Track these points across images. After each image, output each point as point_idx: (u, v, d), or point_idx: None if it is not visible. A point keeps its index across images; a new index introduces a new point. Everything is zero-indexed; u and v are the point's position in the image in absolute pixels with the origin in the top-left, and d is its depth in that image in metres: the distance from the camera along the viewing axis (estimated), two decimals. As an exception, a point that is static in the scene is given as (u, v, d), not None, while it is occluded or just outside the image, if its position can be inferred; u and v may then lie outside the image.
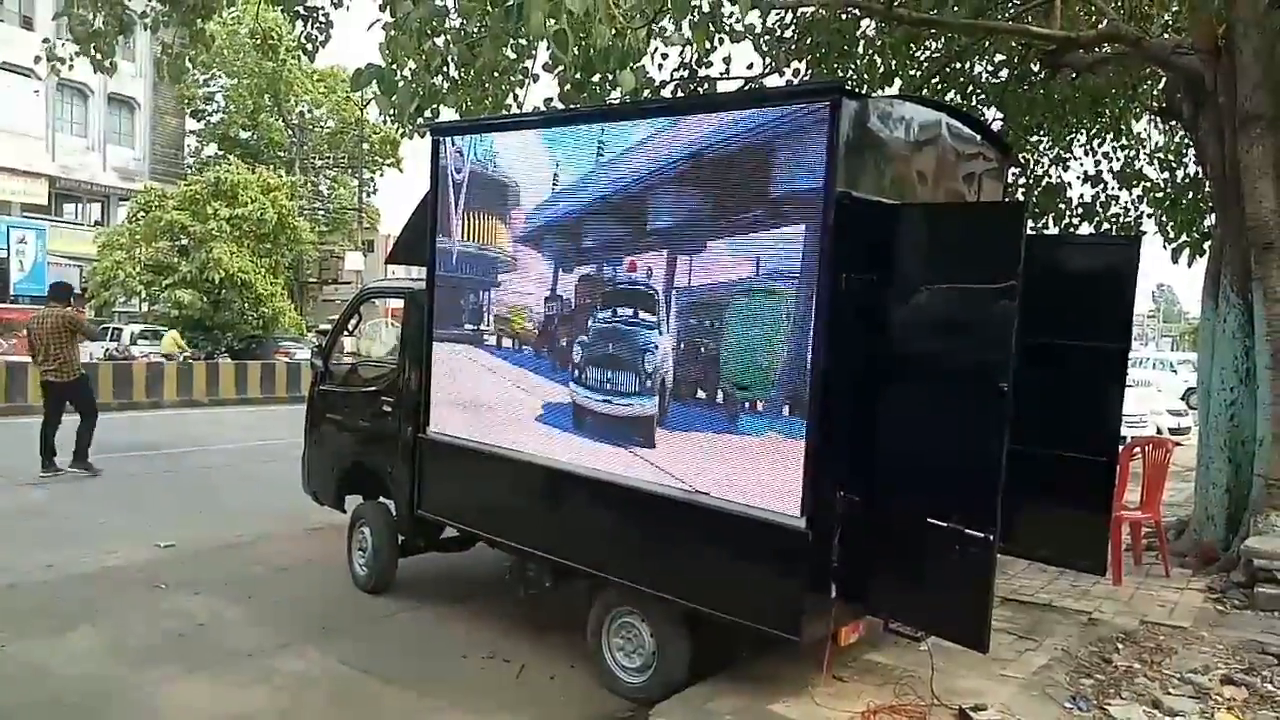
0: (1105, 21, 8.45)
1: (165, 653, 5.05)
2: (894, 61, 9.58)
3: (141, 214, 26.05)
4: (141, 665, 4.86)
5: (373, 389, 6.37)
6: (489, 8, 5.16)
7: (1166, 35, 8.76)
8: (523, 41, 7.93)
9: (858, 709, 4.13)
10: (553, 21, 3.95)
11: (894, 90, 9.27)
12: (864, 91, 7.32)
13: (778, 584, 4.00)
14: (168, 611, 5.71)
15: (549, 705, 4.55)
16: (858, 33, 9.70)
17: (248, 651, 5.11)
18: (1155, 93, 9.95)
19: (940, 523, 3.71)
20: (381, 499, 6.29)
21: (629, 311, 4.54)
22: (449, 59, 7.65)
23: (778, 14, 9.90)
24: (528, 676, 4.89)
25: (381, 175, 40.12)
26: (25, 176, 29.78)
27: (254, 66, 35.79)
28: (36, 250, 27.01)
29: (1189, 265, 9.43)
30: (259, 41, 34.53)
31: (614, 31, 4.40)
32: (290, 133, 38.25)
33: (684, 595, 4.30)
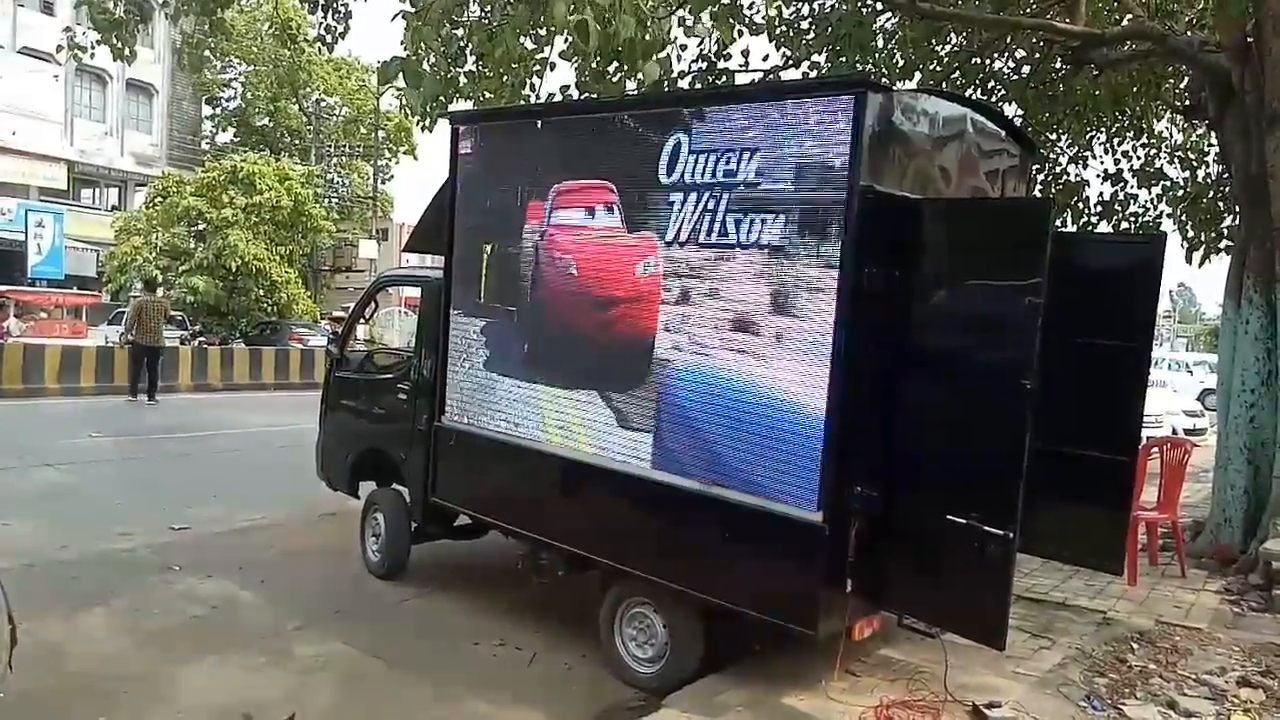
0: (1130, 18, 8.35)
1: (179, 635, 5.08)
2: (914, 55, 9.50)
3: (159, 199, 26.22)
4: (156, 647, 4.88)
5: (389, 376, 6.37)
6: None
7: (1191, 32, 8.65)
8: (541, 31, 7.91)
9: (870, 704, 4.12)
10: (575, 13, 3.94)
11: (913, 85, 9.20)
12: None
13: (793, 578, 3.98)
14: (182, 594, 5.75)
15: (560, 693, 4.56)
16: (877, 26, 9.63)
17: (261, 635, 5.14)
18: (1178, 91, 9.85)
19: (960, 519, 3.68)
20: (395, 485, 6.31)
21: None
22: (467, 50, 7.63)
23: (796, 6, 9.85)
24: (539, 664, 4.89)
25: (397, 163, 40.20)
26: (44, 160, 29.99)
27: (272, 54, 35.90)
28: (54, 234, 27.20)
29: (1199, 266, 9.40)
30: (278, 31, 34.74)
31: (637, 22, 4.38)
32: (307, 120, 38.33)
33: (698, 588, 4.29)
